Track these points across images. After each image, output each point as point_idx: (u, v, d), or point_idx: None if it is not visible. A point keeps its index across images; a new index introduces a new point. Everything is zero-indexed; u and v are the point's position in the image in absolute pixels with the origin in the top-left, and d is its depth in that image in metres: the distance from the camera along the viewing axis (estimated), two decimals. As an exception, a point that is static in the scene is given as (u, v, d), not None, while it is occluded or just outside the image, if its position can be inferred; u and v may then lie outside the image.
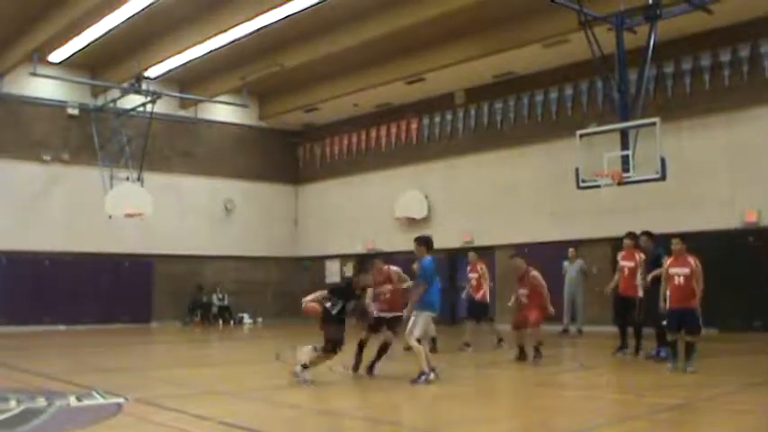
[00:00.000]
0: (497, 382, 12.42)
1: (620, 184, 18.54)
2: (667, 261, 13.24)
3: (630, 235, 16.19)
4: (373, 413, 9.78)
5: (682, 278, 12.85)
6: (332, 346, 12.43)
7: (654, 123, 17.82)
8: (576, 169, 19.09)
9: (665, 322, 13.19)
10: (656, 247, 15.69)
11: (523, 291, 15.23)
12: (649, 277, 14.76)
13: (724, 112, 21.65)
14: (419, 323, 12.44)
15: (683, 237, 13.48)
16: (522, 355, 15.04)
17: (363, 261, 13.31)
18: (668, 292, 12.98)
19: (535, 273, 15.28)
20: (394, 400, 11.16)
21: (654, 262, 15.32)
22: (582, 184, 19.13)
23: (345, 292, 12.80)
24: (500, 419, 9.51)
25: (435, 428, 9.17)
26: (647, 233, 16.07)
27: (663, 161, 17.49)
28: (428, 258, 12.68)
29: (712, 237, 20.40)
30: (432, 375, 12.22)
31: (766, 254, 20.60)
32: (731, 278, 19.75)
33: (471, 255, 19.14)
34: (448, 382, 12.55)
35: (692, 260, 12.97)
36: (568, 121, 24.47)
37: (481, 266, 18.51)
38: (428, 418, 9.95)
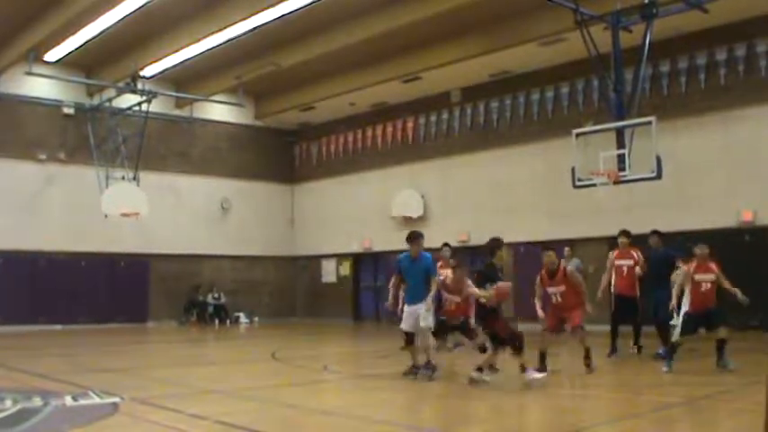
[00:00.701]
0: (496, 380, 12.40)
1: (615, 182, 18.58)
2: (691, 266, 13.13)
3: (625, 233, 16.13)
4: (370, 412, 9.77)
5: (709, 284, 12.91)
6: (518, 341, 11.80)
7: (650, 122, 17.85)
8: (573, 168, 19.11)
9: (673, 322, 13.15)
10: (667, 247, 15.71)
11: (557, 289, 13.03)
12: (675, 287, 13.84)
13: (720, 111, 21.67)
14: (431, 317, 12.61)
15: (687, 238, 13.49)
16: (542, 366, 12.89)
17: (496, 240, 12.56)
18: (689, 297, 12.96)
19: (571, 268, 13.98)
20: (391, 399, 11.15)
21: (665, 262, 15.30)
22: (578, 183, 19.16)
23: (491, 274, 12.09)
24: (499, 418, 9.50)
25: (434, 427, 9.16)
26: (656, 232, 16.06)
27: (659, 160, 17.53)
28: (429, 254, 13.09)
29: (708, 236, 20.27)
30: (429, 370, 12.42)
31: (762, 253, 20.62)
32: (728, 277, 19.71)
33: (445, 251, 17.32)
34: (446, 380, 12.57)
35: (713, 265, 13.03)
36: (564, 119, 24.49)
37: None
38: (426, 417, 9.95)
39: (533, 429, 8.93)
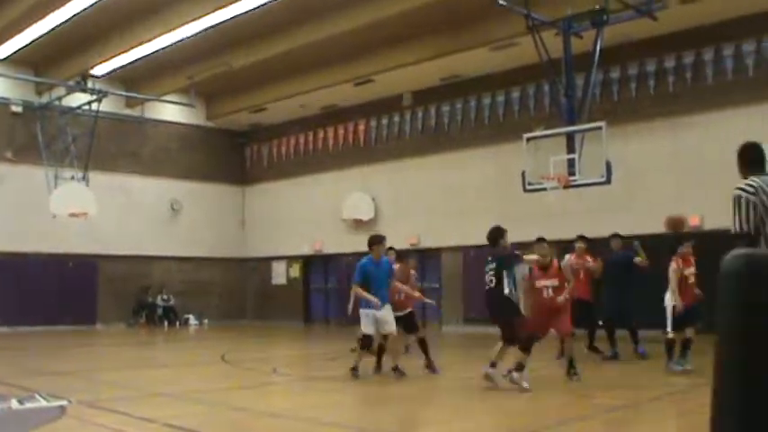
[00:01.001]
0: (447, 384, 12.45)
1: (566, 187, 18.74)
2: (679, 262, 13.34)
3: (582, 238, 16.32)
4: (319, 414, 9.76)
5: (693, 277, 13.19)
6: (531, 341, 11.54)
7: (600, 128, 18.03)
8: (523, 172, 19.23)
9: (668, 322, 13.27)
10: (627, 249, 15.94)
11: (550, 282, 12.36)
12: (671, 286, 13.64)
13: (668, 117, 21.92)
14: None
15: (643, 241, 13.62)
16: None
17: (497, 228, 12.14)
18: (678, 292, 13.15)
19: (563, 263, 13.47)
20: (341, 401, 11.17)
21: (624, 265, 15.55)
22: (528, 187, 19.30)
23: (507, 261, 11.75)
24: (450, 421, 9.53)
25: (382, 430, 9.17)
26: (617, 235, 16.32)
27: (608, 165, 17.71)
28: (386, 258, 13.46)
29: (656, 240, 20.57)
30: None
31: (708, 257, 20.77)
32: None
33: (390, 254, 15.09)
34: (397, 383, 12.59)
35: (692, 259, 13.33)
36: (515, 124, 24.61)
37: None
38: (376, 419, 9.95)
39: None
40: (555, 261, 12.74)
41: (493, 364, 11.65)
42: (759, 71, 20.63)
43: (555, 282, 12.38)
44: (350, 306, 15.04)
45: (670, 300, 13.26)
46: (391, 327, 12.85)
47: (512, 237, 23.34)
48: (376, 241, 13.16)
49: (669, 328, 13.19)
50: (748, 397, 2.02)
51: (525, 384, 11.12)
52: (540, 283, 12.39)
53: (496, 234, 11.88)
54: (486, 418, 9.67)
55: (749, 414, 2.03)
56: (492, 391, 11.34)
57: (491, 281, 11.55)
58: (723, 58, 21.23)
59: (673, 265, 13.34)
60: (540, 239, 13.20)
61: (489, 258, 11.75)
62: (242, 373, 15.25)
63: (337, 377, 13.23)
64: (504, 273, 11.52)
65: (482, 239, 24.01)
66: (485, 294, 11.88)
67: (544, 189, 19.06)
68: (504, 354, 11.73)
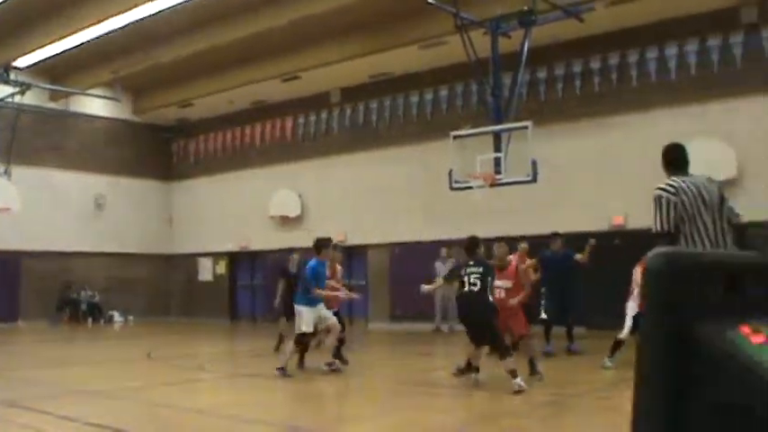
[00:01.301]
0: (374, 381, 12.46)
1: (492, 185, 18.89)
2: (640, 270, 13.57)
3: (524, 238, 16.50)
4: (243, 411, 9.74)
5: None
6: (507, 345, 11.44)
7: (526, 127, 18.21)
8: (450, 170, 19.34)
9: (627, 325, 13.43)
10: (567, 249, 16.13)
11: (504, 283, 12.31)
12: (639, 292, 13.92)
13: (594, 117, 22.19)
14: None
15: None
16: (467, 369, 12.13)
17: (474, 238, 11.89)
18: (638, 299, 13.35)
19: (522, 264, 13.86)
20: (266, 399, 11.14)
21: (565, 264, 15.71)
22: (455, 185, 19.41)
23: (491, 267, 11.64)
24: (373, 417, 9.57)
25: (307, 426, 9.17)
26: (557, 234, 16.40)
27: (534, 164, 17.89)
28: None
29: (581, 238, 20.84)
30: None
31: (632, 255, 21.11)
32: (597, 278, 20.12)
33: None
34: (324, 380, 12.61)
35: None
36: (443, 122, 24.68)
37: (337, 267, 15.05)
38: (300, 416, 9.95)
39: (406, 428, 8.99)
40: (514, 262, 12.89)
41: (476, 369, 11.66)
42: (681, 74, 21.01)
43: (509, 283, 12.40)
44: (277, 300, 15.60)
45: (634, 306, 13.44)
46: (332, 320, 13.18)
47: (438, 235, 23.69)
48: (325, 244, 13.41)
49: (625, 331, 13.33)
50: (668, 397, 2.06)
51: (522, 384, 10.63)
52: (495, 282, 12.09)
53: (473, 244, 11.82)
54: (412, 414, 9.69)
55: (669, 415, 2.07)
56: (419, 388, 11.40)
57: (474, 284, 11.20)
58: (647, 60, 21.59)
59: (639, 271, 13.60)
60: (500, 241, 13.24)
61: (472, 263, 11.49)
62: (168, 371, 15.14)
63: (263, 374, 13.21)
64: (489, 280, 11.38)
65: (408, 236, 24.26)
66: (462, 297, 11.55)
67: (470, 187, 19.19)
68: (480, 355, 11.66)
